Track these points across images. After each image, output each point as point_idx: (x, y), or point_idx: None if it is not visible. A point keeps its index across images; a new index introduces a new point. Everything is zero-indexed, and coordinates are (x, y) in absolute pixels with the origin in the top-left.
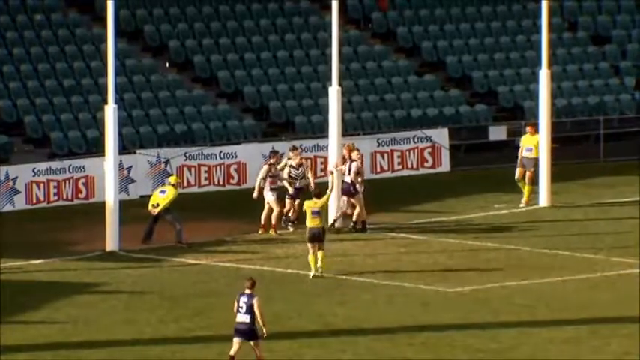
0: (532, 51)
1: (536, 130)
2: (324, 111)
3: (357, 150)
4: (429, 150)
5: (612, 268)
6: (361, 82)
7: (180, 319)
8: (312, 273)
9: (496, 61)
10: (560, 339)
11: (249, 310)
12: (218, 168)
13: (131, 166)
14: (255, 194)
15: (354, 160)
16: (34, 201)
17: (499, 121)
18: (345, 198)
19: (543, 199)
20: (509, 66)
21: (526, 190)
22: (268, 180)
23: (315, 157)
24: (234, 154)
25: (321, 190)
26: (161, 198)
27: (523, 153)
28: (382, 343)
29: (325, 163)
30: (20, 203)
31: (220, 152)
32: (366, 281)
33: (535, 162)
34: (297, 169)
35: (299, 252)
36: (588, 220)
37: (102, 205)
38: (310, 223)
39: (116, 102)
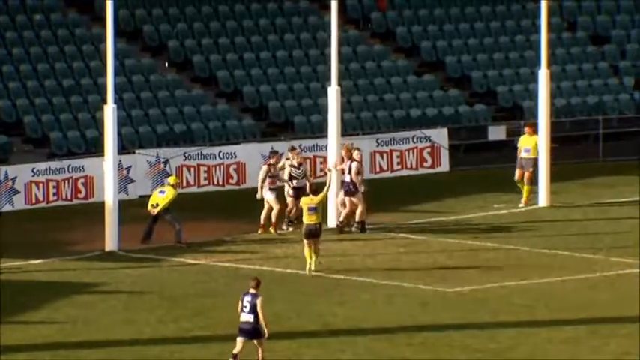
0: (531, 51)
1: (534, 131)
2: (323, 111)
3: (358, 150)
4: (428, 150)
5: (611, 268)
6: (360, 82)
7: (179, 319)
8: (307, 266)
9: (495, 61)
10: (559, 339)
11: (253, 309)
12: (217, 168)
13: (130, 166)
14: (258, 195)
15: (355, 160)
16: (34, 201)
17: (498, 121)
18: (342, 196)
19: (542, 199)
20: (509, 66)
21: (525, 190)
22: (268, 180)
23: (315, 156)
24: (234, 154)
25: (318, 187)
26: (160, 198)
27: (521, 154)
28: (381, 343)
29: (324, 163)
30: (19, 203)
31: (219, 152)
32: (365, 281)
33: (534, 162)
34: (299, 169)
35: (298, 252)
36: (587, 220)
37: (101, 205)
38: (307, 219)
39: (115, 102)
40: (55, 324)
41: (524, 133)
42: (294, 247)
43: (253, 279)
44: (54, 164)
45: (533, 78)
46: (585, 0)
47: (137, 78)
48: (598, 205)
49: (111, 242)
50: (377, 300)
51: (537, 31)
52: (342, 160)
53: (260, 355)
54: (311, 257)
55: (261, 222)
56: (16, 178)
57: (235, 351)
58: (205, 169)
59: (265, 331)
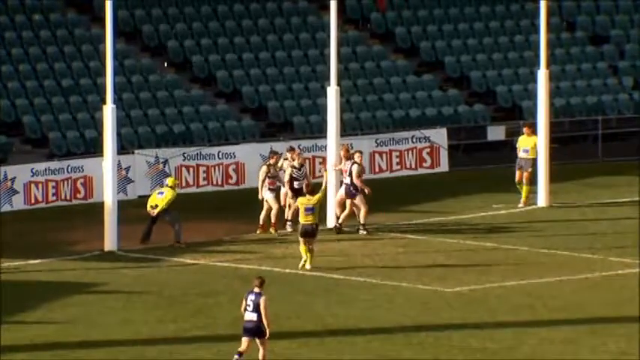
0: (530, 51)
1: (533, 131)
2: (322, 111)
3: (360, 152)
4: (428, 150)
5: (611, 268)
6: (360, 82)
7: (178, 319)
8: (302, 262)
9: (494, 61)
10: (558, 339)
11: (257, 308)
12: (216, 168)
13: (129, 166)
14: (260, 195)
15: (355, 162)
16: (33, 201)
17: (497, 120)
18: (339, 196)
19: (542, 199)
20: (508, 66)
21: (524, 190)
22: (267, 180)
23: (314, 157)
24: (233, 154)
25: (315, 187)
26: (159, 199)
27: (520, 154)
28: (380, 343)
29: (324, 163)
30: (19, 203)
31: (219, 152)
32: (365, 281)
33: (532, 162)
34: (300, 169)
35: (297, 252)
36: (587, 220)
37: (100, 205)
38: (303, 219)
39: (114, 102)
40: (55, 324)
41: (523, 133)
42: (294, 247)
43: (257, 278)
44: (53, 164)
45: (533, 78)
46: (584, 0)
47: (136, 78)
48: (597, 205)
49: (110, 242)
50: (376, 300)
51: (536, 31)
52: (341, 161)
53: (262, 354)
54: (306, 254)
55: (261, 222)
56: (15, 178)
57: (240, 349)
58: (204, 169)
59: (267, 330)
